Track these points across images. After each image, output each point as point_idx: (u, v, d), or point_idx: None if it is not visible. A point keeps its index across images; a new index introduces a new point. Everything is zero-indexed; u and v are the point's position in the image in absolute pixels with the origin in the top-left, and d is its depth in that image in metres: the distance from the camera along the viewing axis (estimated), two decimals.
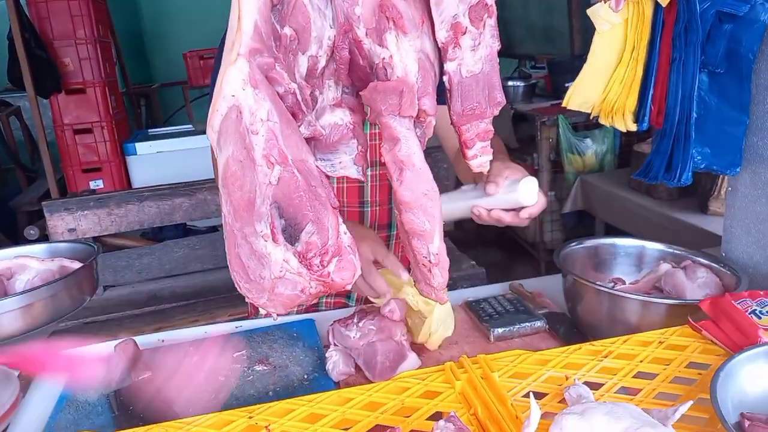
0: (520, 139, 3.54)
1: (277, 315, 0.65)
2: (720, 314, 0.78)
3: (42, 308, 0.99)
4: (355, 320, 0.92)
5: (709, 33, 1.04)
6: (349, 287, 0.64)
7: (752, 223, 1.08)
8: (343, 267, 0.64)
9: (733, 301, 0.80)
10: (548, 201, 1.04)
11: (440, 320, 0.96)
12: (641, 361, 0.75)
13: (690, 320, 0.82)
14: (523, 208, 0.97)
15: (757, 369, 0.66)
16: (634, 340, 0.80)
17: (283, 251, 0.62)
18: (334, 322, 0.94)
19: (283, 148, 0.68)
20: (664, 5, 1.03)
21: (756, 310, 0.77)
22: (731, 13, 1.01)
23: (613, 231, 2.81)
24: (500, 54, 0.79)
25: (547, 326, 1.02)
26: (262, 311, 0.66)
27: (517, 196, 0.96)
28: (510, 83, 3.82)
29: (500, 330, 0.99)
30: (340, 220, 0.66)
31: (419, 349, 0.97)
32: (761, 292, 0.82)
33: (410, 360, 0.89)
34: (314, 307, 1.30)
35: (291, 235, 0.64)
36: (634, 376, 0.72)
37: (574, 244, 1.09)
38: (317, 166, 0.70)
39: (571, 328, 1.02)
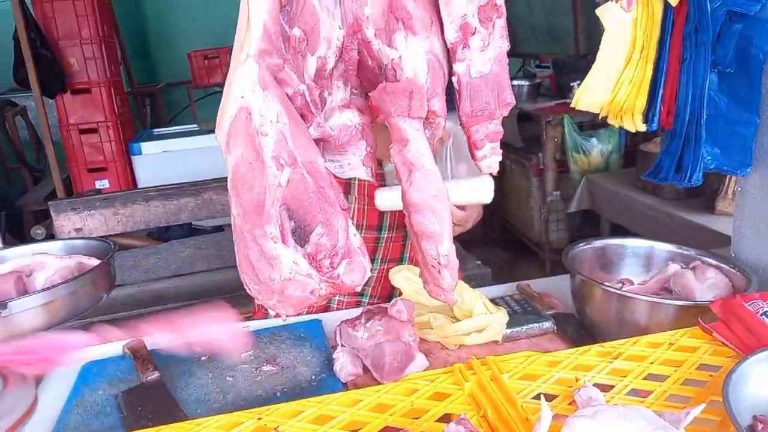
0: (525, 138, 3.53)
1: (287, 316, 0.65)
2: (731, 316, 0.78)
3: (61, 305, 0.99)
4: (363, 320, 0.92)
5: (719, 33, 1.03)
6: (358, 289, 0.64)
7: (762, 223, 1.08)
8: (353, 269, 0.64)
9: (743, 303, 0.79)
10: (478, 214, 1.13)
11: (499, 322, 0.97)
12: (651, 363, 0.74)
13: (700, 321, 0.82)
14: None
15: None
16: (644, 341, 0.79)
17: (292, 253, 0.62)
18: (342, 322, 0.94)
19: (293, 149, 0.68)
20: (674, 5, 1.03)
21: (767, 311, 0.77)
22: (742, 13, 1.00)
23: (618, 230, 2.80)
24: (507, 54, 0.78)
25: (556, 327, 1.02)
26: (271, 312, 0.66)
27: (481, 184, 0.98)
28: (515, 83, 3.81)
29: (508, 331, 0.99)
30: (350, 221, 0.66)
31: (427, 350, 0.97)
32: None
33: (418, 361, 0.89)
34: (326, 306, 1.30)
35: (300, 236, 0.64)
36: (644, 378, 0.72)
37: (582, 244, 1.09)
38: (326, 168, 0.70)
39: (580, 329, 1.01)
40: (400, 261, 1.30)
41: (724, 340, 0.77)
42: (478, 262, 2.35)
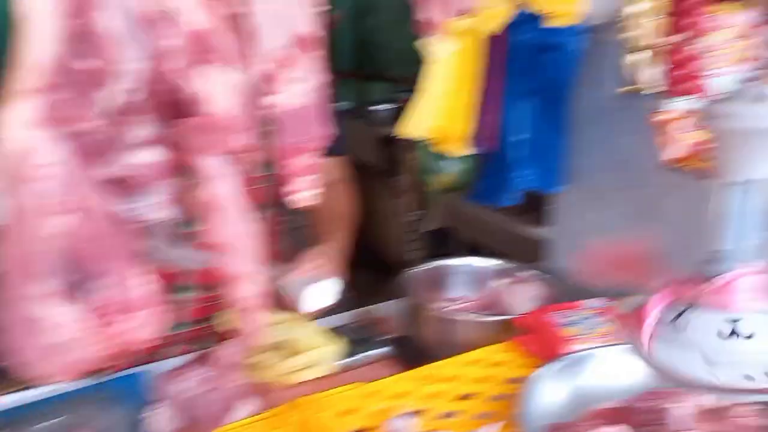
0: (386, 161, 3.63)
1: (72, 380, 0.59)
2: (535, 327, 0.84)
3: None
4: (187, 369, 0.86)
5: (531, 62, 1.13)
6: (150, 344, 0.59)
7: (573, 236, 1.19)
8: (144, 323, 0.59)
9: (547, 314, 0.85)
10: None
11: (333, 355, 0.96)
12: (464, 383, 0.77)
13: (514, 336, 0.87)
14: None
15: (559, 380, 0.71)
16: (458, 360, 0.82)
17: (72, 310, 0.56)
18: (162, 374, 0.87)
19: (77, 193, 0.62)
20: (487, 38, 1.11)
21: (565, 322, 0.83)
22: (551, 44, 1.11)
23: (475, 248, 2.95)
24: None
25: (393, 352, 1.03)
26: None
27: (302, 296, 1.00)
28: (376, 108, 3.92)
29: (344, 361, 0.98)
30: (140, 271, 0.61)
31: (262, 390, 0.93)
32: (572, 304, 0.89)
33: (247, 405, 0.85)
34: (151, 356, 1.18)
35: (84, 290, 0.58)
36: (459, 399, 0.74)
37: (415, 268, 1.12)
38: (119, 211, 0.65)
39: (415, 352, 1.03)
40: None
41: (530, 352, 0.82)
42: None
